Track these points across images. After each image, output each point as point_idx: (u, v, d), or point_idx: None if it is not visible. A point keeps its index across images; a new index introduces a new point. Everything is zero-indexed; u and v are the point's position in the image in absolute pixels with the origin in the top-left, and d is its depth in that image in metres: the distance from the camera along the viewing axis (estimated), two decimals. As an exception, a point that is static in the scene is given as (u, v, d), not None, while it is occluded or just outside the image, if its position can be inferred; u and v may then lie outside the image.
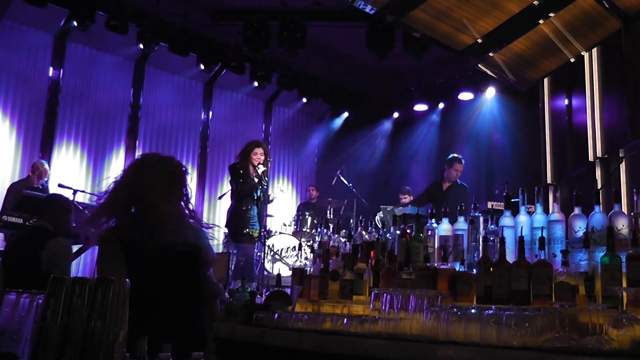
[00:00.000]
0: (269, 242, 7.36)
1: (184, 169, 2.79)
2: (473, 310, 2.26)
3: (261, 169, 6.34)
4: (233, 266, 5.30)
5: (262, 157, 6.36)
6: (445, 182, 7.37)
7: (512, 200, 3.02)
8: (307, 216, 8.27)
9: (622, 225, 2.57)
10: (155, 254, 2.55)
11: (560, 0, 4.90)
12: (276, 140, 12.04)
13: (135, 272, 2.43)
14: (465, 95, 10.23)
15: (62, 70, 9.42)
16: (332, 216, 7.90)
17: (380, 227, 6.18)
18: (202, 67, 9.79)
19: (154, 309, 2.46)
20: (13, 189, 7.22)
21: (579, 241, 2.60)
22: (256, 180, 6.32)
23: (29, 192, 6.79)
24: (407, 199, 8.97)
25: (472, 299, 2.65)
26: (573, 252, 2.52)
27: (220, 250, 6.25)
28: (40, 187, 7.30)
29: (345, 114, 12.10)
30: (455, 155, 7.45)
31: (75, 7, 8.30)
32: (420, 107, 11.05)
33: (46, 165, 7.67)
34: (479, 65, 5.79)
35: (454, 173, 7.28)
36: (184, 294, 2.63)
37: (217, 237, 6.90)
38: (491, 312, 2.18)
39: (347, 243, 3.77)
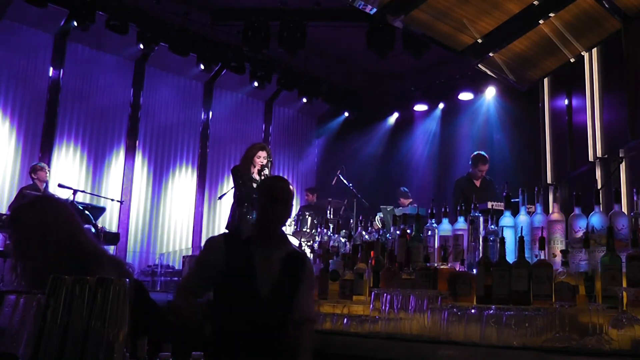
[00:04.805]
0: (269, 242, 7.32)
1: None
2: (473, 310, 2.27)
3: (266, 172, 6.30)
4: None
5: (265, 160, 6.35)
6: (473, 179, 7.03)
7: (512, 200, 3.01)
8: (307, 216, 8.24)
9: (622, 225, 2.57)
10: None
11: (560, 0, 4.90)
12: (276, 140, 12.03)
13: None
14: (465, 95, 10.22)
15: (62, 70, 9.41)
16: (332, 216, 7.87)
17: (380, 227, 6.17)
18: (202, 67, 9.77)
19: None
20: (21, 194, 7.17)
21: (579, 241, 2.60)
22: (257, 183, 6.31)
23: (29, 192, 6.78)
24: (408, 202, 8.76)
25: (472, 299, 2.65)
26: (573, 252, 2.52)
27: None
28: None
29: (345, 114, 12.09)
30: (480, 153, 7.06)
31: (75, 7, 8.28)
32: (420, 107, 11.04)
33: (46, 168, 7.58)
34: (479, 65, 5.79)
35: (478, 173, 6.98)
36: None
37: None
38: (491, 312, 2.18)
39: (347, 243, 3.76)
